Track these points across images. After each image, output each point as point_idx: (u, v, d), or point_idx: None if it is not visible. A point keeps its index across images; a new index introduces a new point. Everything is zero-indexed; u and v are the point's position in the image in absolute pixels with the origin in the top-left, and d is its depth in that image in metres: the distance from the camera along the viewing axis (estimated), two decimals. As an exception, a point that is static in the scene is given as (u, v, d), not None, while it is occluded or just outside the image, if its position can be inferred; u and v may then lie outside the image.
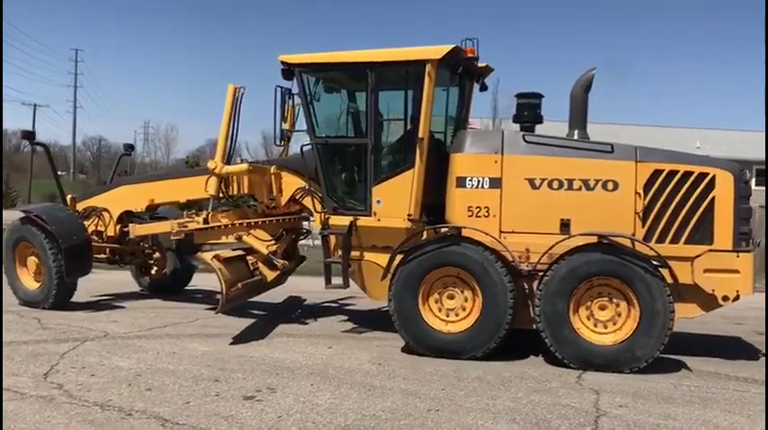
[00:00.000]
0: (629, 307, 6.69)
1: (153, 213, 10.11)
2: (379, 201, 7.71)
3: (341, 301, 10.57)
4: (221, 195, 9.00)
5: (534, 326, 6.86)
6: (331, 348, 7.29)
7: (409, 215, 7.55)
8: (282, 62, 8.09)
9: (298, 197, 8.79)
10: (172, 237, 9.01)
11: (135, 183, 10.50)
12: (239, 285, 7.84)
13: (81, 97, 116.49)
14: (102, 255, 9.94)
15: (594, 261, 6.68)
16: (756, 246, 7.25)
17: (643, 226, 6.95)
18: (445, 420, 4.97)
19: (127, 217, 9.93)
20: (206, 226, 8.71)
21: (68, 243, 8.95)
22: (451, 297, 7.15)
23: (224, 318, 8.63)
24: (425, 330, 7.06)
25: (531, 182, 7.13)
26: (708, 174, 6.94)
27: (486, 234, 7.06)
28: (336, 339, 7.82)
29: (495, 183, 7.21)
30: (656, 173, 6.96)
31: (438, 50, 7.39)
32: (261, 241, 8.52)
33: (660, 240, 6.87)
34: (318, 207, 8.24)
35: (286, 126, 8.53)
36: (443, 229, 7.34)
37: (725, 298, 6.77)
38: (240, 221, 8.78)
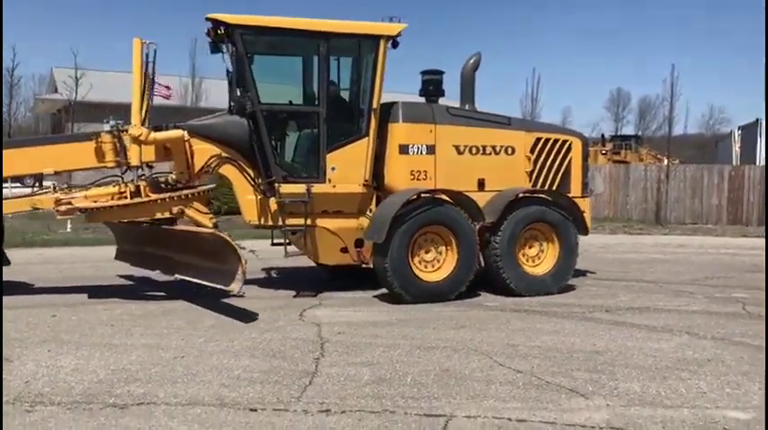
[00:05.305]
0: (551, 245, 8.59)
1: None
2: (333, 168, 8.09)
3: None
4: (136, 166, 7.96)
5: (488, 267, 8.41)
6: (55, 316, 7.18)
7: (365, 181, 8.23)
8: (216, 21, 7.64)
9: (213, 166, 8.09)
10: (58, 217, 7.69)
11: None
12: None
13: None
14: None
15: (535, 212, 8.44)
16: (591, 193, 9.82)
17: (530, 181, 8.96)
18: (193, 363, 5.47)
19: None
20: (138, 200, 7.70)
21: None
22: (427, 251, 8.07)
23: None
24: (414, 280, 7.90)
25: (457, 148, 8.54)
26: (568, 140, 9.28)
27: (459, 194, 8.15)
28: (58, 307, 7.63)
29: (431, 149, 8.43)
30: (538, 140, 9.05)
31: (393, 27, 8.21)
32: (203, 214, 7.85)
33: None
34: (239, 177, 8.09)
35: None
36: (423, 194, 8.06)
37: None
38: (178, 194, 7.88)
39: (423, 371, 5.28)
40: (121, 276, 9.75)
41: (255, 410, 4.41)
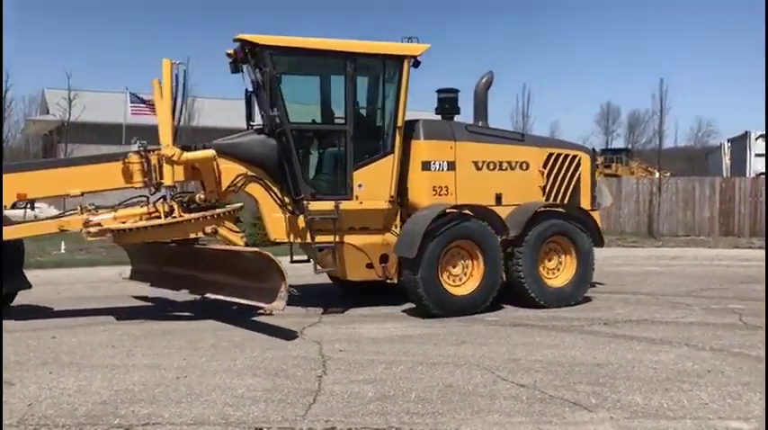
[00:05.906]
0: (569, 257, 8.78)
1: None
2: (360, 185, 8.24)
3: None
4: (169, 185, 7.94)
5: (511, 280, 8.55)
6: (55, 337, 7.15)
7: (391, 197, 8.39)
8: (245, 41, 7.78)
9: (239, 185, 8.12)
10: (88, 238, 7.52)
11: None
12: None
13: None
14: None
15: (555, 225, 8.67)
16: (599, 206, 9.98)
17: (543, 195, 9.15)
18: (196, 383, 5.46)
19: None
20: (171, 220, 7.63)
21: None
22: (454, 265, 8.21)
23: None
24: (444, 294, 8.01)
25: (476, 164, 8.74)
26: (577, 155, 9.53)
27: (485, 209, 8.37)
28: (58, 329, 7.60)
29: (451, 165, 8.61)
30: (550, 155, 9.27)
31: (416, 48, 8.46)
32: (235, 233, 7.89)
33: None
34: (265, 195, 8.14)
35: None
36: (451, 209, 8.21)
37: None
38: (211, 213, 7.85)
39: (426, 387, 5.29)
40: (123, 297, 9.74)
41: (261, 429, 4.41)
